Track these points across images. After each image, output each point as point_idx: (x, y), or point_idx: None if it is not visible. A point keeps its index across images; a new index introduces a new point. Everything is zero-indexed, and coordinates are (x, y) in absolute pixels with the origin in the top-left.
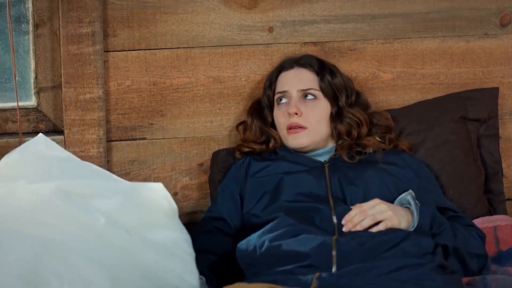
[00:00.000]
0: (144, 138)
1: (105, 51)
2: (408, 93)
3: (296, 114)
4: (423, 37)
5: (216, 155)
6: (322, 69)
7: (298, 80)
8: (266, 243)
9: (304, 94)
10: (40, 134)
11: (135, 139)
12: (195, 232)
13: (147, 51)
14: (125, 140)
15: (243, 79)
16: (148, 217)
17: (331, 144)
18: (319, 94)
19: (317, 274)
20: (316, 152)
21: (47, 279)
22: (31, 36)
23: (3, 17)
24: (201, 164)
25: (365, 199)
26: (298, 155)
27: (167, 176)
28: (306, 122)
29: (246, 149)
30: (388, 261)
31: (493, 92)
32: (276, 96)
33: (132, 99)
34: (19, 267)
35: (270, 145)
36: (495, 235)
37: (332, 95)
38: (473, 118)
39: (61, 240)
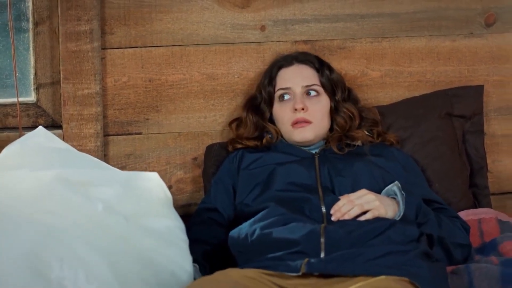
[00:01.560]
0: (140, 133)
1: (102, 49)
2: (395, 90)
3: (303, 109)
4: (410, 36)
5: (209, 148)
6: (321, 65)
7: (301, 77)
8: (257, 231)
9: (307, 90)
10: (40, 127)
11: (131, 134)
12: (189, 222)
13: (143, 48)
14: (122, 134)
15: (236, 76)
16: (145, 205)
17: (322, 139)
18: (321, 89)
19: (306, 259)
20: (311, 147)
21: (48, 261)
22: (31, 34)
23: (4, 15)
24: (195, 158)
25: (353, 189)
26: (292, 146)
27: (162, 170)
28: (312, 117)
29: (239, 146)
30: (375, 248)
31: (478, 90)
32: (278, 93)
33: (129, 95)
34: (22, 250)
35: (264, 140)
36: (479, 227)
37: (331, 90)
38: (459, 114)
39: (61, 225)
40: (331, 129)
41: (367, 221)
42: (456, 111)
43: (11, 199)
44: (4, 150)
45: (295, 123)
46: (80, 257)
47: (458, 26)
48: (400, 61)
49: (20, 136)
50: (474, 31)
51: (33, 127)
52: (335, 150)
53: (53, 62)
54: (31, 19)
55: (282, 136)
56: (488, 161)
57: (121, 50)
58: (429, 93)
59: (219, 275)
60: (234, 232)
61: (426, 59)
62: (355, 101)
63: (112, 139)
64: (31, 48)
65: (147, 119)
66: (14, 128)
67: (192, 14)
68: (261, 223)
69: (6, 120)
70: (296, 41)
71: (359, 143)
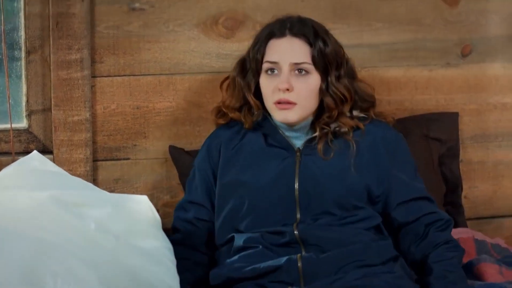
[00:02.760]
0: (128, 159)
1: (92, 77)
2: None
3: (288, 89)
4: (389, 66)
5: (174, 152)
6: (316, 38)
7: (290, 52)
8: (238, 266)
9: (296, 68)
10: (35, 151)
11: (120, 159)
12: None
13: (131, 77)
14: (110, 160)
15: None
16: (134, 225)
17: (309, 119)
18: (311, 68)
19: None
20: (295, 127)
21: (43, 276)
22: (23, 62)
23: None
24: (181, 184)
25: (330, 197)
26: (276, 131)
27: (149, 194)
28: (297, 97)
29: (221, 121)
30: (352, 273)
31: (453, 116)
32: (265, 65)
33: (117, 121)
34: (18, 265)
35: (246, 125)
36: None
37: (323, 67)
38: (435, 137)
39: (56, 242)
40: (320, 108)
41: (340, 245)
42: (432, 133)
43: (7, 217)
44: (1, 172)
45: (278, 103)
46: (73, 272)
47: (435, 57)
48: (379, 90)
49: (12, 161)
50: (451, 61)
51: (25, 152)
52: (321, 154)
53: (45, 90)
54: (23, 48)
55: (265, 110)
56: (464, 186)
57: (110, 78)
58: (406, 117)
59: None
60: (214, 273)
61: (404, 88)
62: (351, 75)
63: (101, 164)
64: (23, 76)
65: (135, 145)
66: (7, 153)
67: (178, 44)
68: (238, 264)
69: None
70: None
71: (346, 129)
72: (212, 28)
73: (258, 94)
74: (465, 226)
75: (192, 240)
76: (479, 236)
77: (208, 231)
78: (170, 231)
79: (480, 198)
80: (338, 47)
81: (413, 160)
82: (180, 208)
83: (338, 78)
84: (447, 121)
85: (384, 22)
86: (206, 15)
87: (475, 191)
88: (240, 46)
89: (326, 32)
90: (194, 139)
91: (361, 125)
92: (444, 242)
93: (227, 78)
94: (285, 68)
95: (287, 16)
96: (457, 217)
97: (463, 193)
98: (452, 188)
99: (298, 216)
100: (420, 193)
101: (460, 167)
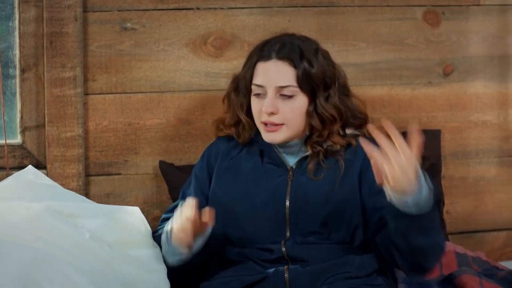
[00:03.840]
0: (119, 174)
1: (85, 94)
2: None
3: (273, 113)
4: (373, 85)
5: (164, 167)
6: (301, 60)
7: (275, 75)
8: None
9: (281, 91)
10: (30, 166)
11: (111, 174)
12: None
13: (123, 94)
14: (102, 175)
15: (209, 121)
16: (127, 235)
17: (299, 139)
18: (296, 90)
19: None
20: (288, 144)
21: (40, 283)
22: (18, 80)
23: None
24: (170, 198)
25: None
26: (271, 151)
27: (139, 209)
28: (283, 119)
29: (221, 133)
30: (337, 283)
31: (435, 134)
32: (253, 87)
33: (109, 137)
34: (16, 273)
35: (241, 140)
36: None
37: (309, 89)
38: None
39: (52, 251)
40: (312, 127)
41: (323, 258)
42: None
43: (4, 227)
44: None
45: (265, 124)
46: (69, 279)
47: (417, 76)
48: None
49: (7, 175)
50: (433, 80)
51: (19, 167)
52: (311, 176)
53: (38, 107)
54: (18, 66)
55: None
56: (446, 202)
57: (103, 95)
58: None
59: None
60: (204, 286)
61: (388, 106)
62: (343, 93)
63: (93, 179)
64: (17, 93)
65: (126, 160)
66: (1, 168)
67: (168, 63)
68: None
69: None
70: None
71: (337, 148)
72: (201, 47)
73: (250, 111)
74: (447, 240)
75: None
76: (460, 249)
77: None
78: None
79: (462, 213)
80: (327, 67)
81: None
82: (168, 211)
83: (327, 98)
84: (429, 138)
85: (368, 42)
86: (195, 35)
87: (456, 207)
88: (228, 65)
89: (315, 51)
90: (184, 155)
91: (353, 141)
92: None
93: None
94: (270, 91)
95: (279, 35)
96: None
97: (445, 208)
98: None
99: (288, 234)
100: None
101: (442, 183)
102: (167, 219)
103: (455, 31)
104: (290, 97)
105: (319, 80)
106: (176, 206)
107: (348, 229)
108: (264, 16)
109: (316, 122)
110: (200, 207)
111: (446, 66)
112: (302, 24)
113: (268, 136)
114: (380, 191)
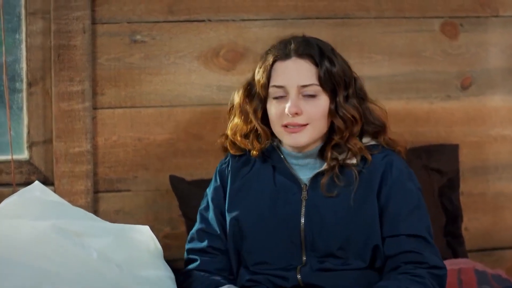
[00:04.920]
0: (129, 190)
1: (93, 108)
2: None
3: (297, 113)
4: (389, 99)
5: (174, 182)
6: (322, 58)
7: (297, 75)
8: None
9: (304, 90)
10: (36, 182)
11: (121, 191)
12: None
13: (132, 109)
14: (111, 191)
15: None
16: (136, 255)
17: (318, 143)
18: (319, 89)
19: None
20: (303, 154)
21: None
22: (24, 94)
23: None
24: (181, 215)
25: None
26: (283, 167)
27: (150, 226)
28: (307, 119)
29: (232, 150)
30: None
31: (454, 148)
32: (272, 90)
33: (118, 153)
34: None
35: (255, 152)
36: (458, 277)
37: (331, 88)
38: (435, 168)
39: (57, 271)
40: (329, 132)
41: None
42: (432, 164)
43: (8, 246)
44: (3, 202)
45: (286, 126)
46: None
47: (435, 89)
48: None
49: (13, 192)
50: (451, 94)
51: (26, 183)
52: (324, 192)
53: (46, 121)
54: (25, 80)
55: (273, 139)
56: (465, 219)
57: (112, 110)
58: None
59: None
60: None
61: (405, 121)
62: (361, 96)
63: (102, 196)
64: (24, 108)
65: (136, 176)
66: (8, 185)
67: (179, 76)
68: None
69: (0, 177)
70: None
71: (354, 161)
72: (212, 60)
73: (264, 120)
74: (466, 257)
75: (211, 266)
76: (480, 267)
77: (225, 260)
78: (171, 263)
79: (481, 230)
80: (346, 66)
81: (414, 197)
82: (192, 238)
83: (347, 98)
84: (447, 152)
85: (384, 54)
86: (206, 47)
87: (475, 223)
88: (240, 78)
89: (332, 50)
90: (195, 171)
91: (368, 155)
92: (413, 274)
93: (232, 107)
94: (293, 91)
95: (291, 36)
96: (457, 247)
97: (464, 225)
98: (452, 219)
99: (304, 258)
100: (414, 231)
101: (461, 199)
102: (197, 250)
103: (473, 43)
104: (312, 96)
105: (340, 79)
106: (200, 231)
107: (368, 252)
108: (278, 28)
109: (339, 122)
110: (221, 230)
111: (465, 79)
112: (316, 36)
113: (291, 139)
114: (400, 217)
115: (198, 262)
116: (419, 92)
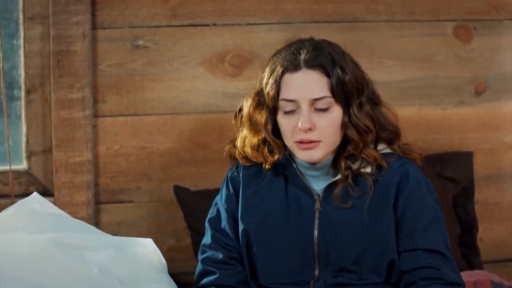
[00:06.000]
0: (132, 201)
1: (94, 116)
2: None
3: (310, 129)
4: (400, 105)
5: (179, 192)
6: (334, 67)
7: (308, 88)
8: None
9: (316, 104)
10: (35, 193)
11: (123, 202)
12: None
13: (135, 116)
14: (113, 202)
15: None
16: (139, 270)
17: (331, 154)
18: (331, 101)
19: None
20: (316, 166)
21: None
22: (23, 101)
23: None
24: (186, 227)
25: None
26: (296, 177)
27: (153, 238)
28: (320, 135)
29: (244, 161)
30: None
31: (468, 156)
32: (282, 103)
33: (120, 163)
34: None
35: (267, 165)
36: None
37: (344, 98)
38: (448, 177)
39: (57, 286)
40: (342, 142)
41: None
42: (446, 173)
43: (5, 260)
44: (0, 214)
45: (300, 142)
46: None
47: (448, 95)
48: None
49: (11, 203)
50: (465, 100)
51: (25, 194)
52: (338, 203)
53: (45, 130)
54: (23, 87)
55: (285, 149)
56: (480, 228)
57: (113, 118)
58: None
59: None
60: None
61: (417, 128)
62: (373, 101)
63: (104, 207)
64: (23, 116)
65: (139, 187)
66: (6, 196)
67: (184, 83)
68: None
69: None
70: None
71: (369, 170)
72: (218, 66)
73: (275, 131)
74: (482, 268)
75: (231, 280)
76: (496, 278)
77: (243, 270)
78: (175, 277)
79: (496, 241)
80: (357, 71)
81: (432, 209)
82: (206, 249)
83: (360, 106)
84: (461, 160)
85: (395, 59)
86: (211, 52)
87: (490, 233)
88: (247, 84)
89: (343, 55)
90: (200, 181)
91: (384, 163)
92: None
93: (239, 111)
94: (304, 105)
95: (299, 40)
96: (472, 259)
97: (479, 235)
98: (467, 230)
99: (317, 272)
100: (431, 245)
101: (475, 208)
102: (214, 261)
103: (487, 47)
104: (325, 109)
105: (353, 87)
106: (214, 242)
107: (384, 266)
108: (285, 33)
109: (353, 133)
110: (236, 238)
111: (479, 84)
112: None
113: (304, 155)
114: (417, 231)
115: (217, 275)
116: (431, 98)
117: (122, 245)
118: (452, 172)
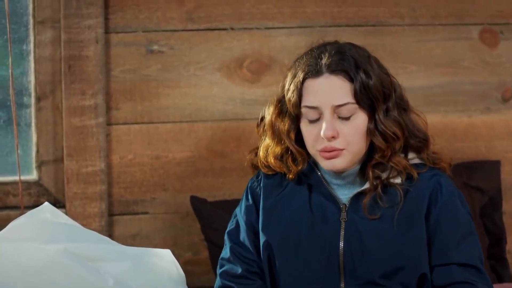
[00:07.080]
0: (146, 213)
1: (107, 124)
2: None
3: (334, 137)
4: (425, 112)
5: (196, 203)
6: (357, 71)
7: (330, 94)
8: None
9: (339, 111)
10: (46, 203)
11: (137, 214)
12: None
13: (149, 124)
14: (127, 214)
15: (246, 154)
16: (157, 282)
17: (358, 164)
18: (355, 108)
19: None
20: (342, 175)
21: None
22: (33, 109)
23: (5, 90)
24: (203, 239)
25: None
26: (321, 186)
27: None
28: (344, 143)
29: (266, 170)
30: None
31: (494, 165)
32: (304, 110)
33: (135, 172)
34: None
35: (290, 175)
36: None
37: (369, 104)
38: (475, 186)
39: None
40: (369, 150)
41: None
42: (472, 182)
43: (16, 271)
44: (10, 224)
45: (323, 151)
46: None
47: (474, 101)
48: None
49: (21, 215)
50: (491, 106)
51: (35, 206)
52: (366, 214)
53: (56, 139)
54: (33, 94)
55: (309, 157)
56: (508, 240)
57: (127, 126)
58: None
59: None
60: None
61: (442, 136)
62: (402, 106)
63: (117, 219)
64: (33, 124)
65: (154, 198)
66: (15, 207)
67: (200, 89)
68: None
69: (6, 199)
70: None
71: (399, 180)
72: (236, 71)
73: (298, 139)
74: (511, 281)
75: None
76: None
77: (264, 285)
78: None
79: None
80: (383, 75)
81: (466, 222)
82: (225, 263)
83: (387, 111)
84: (488, 169)
85: (419, 64)
86: (229, 58)
87: None
88: (266, 91)
89: (368, 58)
90: (217, 192)
91: (414, 173)
92: None
93: (262, 119)
94: (327, 112)
95: (323, 45)
96: (501, 271)
97: (507, 248)
98: (495, 241)
99: (342, 285)
100: (466, 260)
101: (503, 219)
102: (233, 276)
103: None
104: (349, 117)
105: (378, 92)
106: (233, 255)
107: (414, 281)
108: (305, 37)
109: (379, 141)
110: (256, 252)
111: (505, 90)
112: None
113: (328, 164)
114: (451, 244)
115: None
116: (457, 104)
117: (138, 256)
118: (479, 181)
